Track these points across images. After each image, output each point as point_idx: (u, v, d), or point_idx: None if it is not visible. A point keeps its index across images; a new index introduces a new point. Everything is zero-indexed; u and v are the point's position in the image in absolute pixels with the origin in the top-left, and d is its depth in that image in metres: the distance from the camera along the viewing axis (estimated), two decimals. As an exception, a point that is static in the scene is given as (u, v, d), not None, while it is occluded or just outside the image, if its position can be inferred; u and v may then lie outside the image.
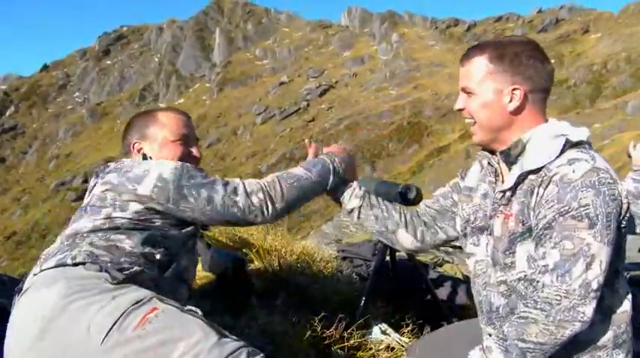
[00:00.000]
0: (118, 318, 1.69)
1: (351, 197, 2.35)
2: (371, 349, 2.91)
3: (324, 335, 2.78)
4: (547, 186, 1.77)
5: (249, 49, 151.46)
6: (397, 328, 3.17)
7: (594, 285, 1.69)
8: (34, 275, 1.94)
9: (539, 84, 1.90)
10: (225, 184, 2.14)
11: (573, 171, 1.73)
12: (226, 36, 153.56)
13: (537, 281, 1.77)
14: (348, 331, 2.88)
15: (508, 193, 1.92)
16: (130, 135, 2.38)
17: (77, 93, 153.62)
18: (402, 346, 2.97)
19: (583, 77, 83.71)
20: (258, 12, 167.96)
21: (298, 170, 2.28)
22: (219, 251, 2.88)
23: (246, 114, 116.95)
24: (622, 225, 1.80)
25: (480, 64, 1.93)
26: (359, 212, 2.33)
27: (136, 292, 1.81)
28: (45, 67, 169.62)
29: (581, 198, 1.70)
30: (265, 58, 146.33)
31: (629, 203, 1.82)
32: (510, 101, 1.89)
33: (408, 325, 3.15)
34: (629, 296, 1.92)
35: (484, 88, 1.92)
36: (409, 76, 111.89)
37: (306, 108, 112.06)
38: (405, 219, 2.34)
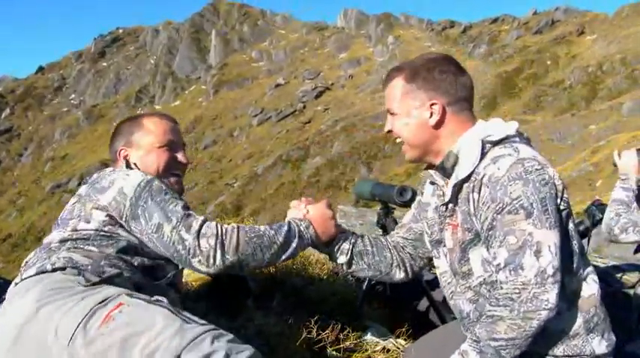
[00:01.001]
0: (83, 319, 1.68)
1: (339, 253, 2.28)
2: (367, 350, 2.90)
3: (319, 336, 2.77)
4: (479, 190, 1.83)
5: (245, 50, 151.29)
6: (393, 330, 3.17)
7: (549, 271, 1.71)
8: (16, 284, 1.95)
9: (456, 95, 1.97)
10: (184, 216, 2.01)
11: (498, 169, 1.79)
12: (222, 38, 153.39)
13: (496, 281, 1.82)
14: (344, 333, 2.87)
15: (450, 205, 1.99)
16: (116, 141, 2.38)
17: (73, 96, 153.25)
18: (398, 348, 2.97)
19: (578, 78, 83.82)
20: (254, 14, 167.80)
21: (264, 228, 2.09)
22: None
23: (242, 116, 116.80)
24: (561, 207, 1.83)
25: (398, 84, 2.01)
26: (349, 265, 2.29)
27: (106, 290, 1.80)
28: (40, 69, 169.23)
29: (511, 192, 1.75)
30: (261, 60, 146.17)
31: (563, 184, 1.85)
32: (431, 116, 1.96)
33: (404, 327, 3.15)
34: (594, 277, 1.94)
35: (404, 107, 2.00)
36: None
37: (302, 110, 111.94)
38: (397, 256, 2.34)
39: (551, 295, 1.71)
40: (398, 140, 2.08)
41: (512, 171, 1.77)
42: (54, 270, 1.91)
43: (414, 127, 2.00)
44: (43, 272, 1.91)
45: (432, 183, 2.14)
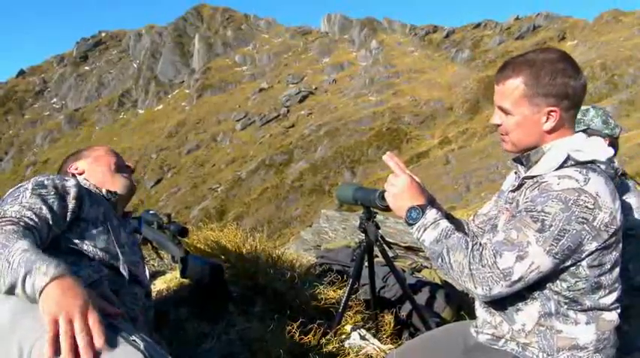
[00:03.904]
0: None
1: None
2: (349, 355, 2.90)
3: (302, 341, 2.77)
4: (533, 190, 1.86)
5: (228, 55, 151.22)
6: (376, 334, 3.17)
7: (514, 277, 1.77)
8: None
9: (574, 101, 1.93)
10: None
11: (557, 184, 1.79)
12: (205, 42, 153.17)
13: (486, 242, 1.88)
14: (327, 337, 2.87)
15: (516, 193, 2.01)
16: (65, 166, 2.50)
17: (54, 100, 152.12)
18: (381, 352, 2.97)
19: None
20: (237, 18, 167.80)
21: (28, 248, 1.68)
22: (196, 257, 2.85)
23: (226, 121, 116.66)
24: (585, 248, 1.81)
25: (517, 85, 1.93)
26: None
27: None
28: (21, 73, 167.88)
29: (546, 205, 1.77)
30: (245, 65, 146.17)
31: (616, 235, 1.84)
32: (546, 121, 1.92)
33: (386, 331, 3.15)
34: (619, 310, 1.97)
35: (520, 109, 1.94)
36: (388, 82, 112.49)
37: (285, 115, 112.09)
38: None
39: (494, 289, 1.79)
40: (501, 133, 2.06)
41: (565, 193, 1.77)
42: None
43: (526, 130, 1.97)
44: None
45: (516, 172, 2.15)
